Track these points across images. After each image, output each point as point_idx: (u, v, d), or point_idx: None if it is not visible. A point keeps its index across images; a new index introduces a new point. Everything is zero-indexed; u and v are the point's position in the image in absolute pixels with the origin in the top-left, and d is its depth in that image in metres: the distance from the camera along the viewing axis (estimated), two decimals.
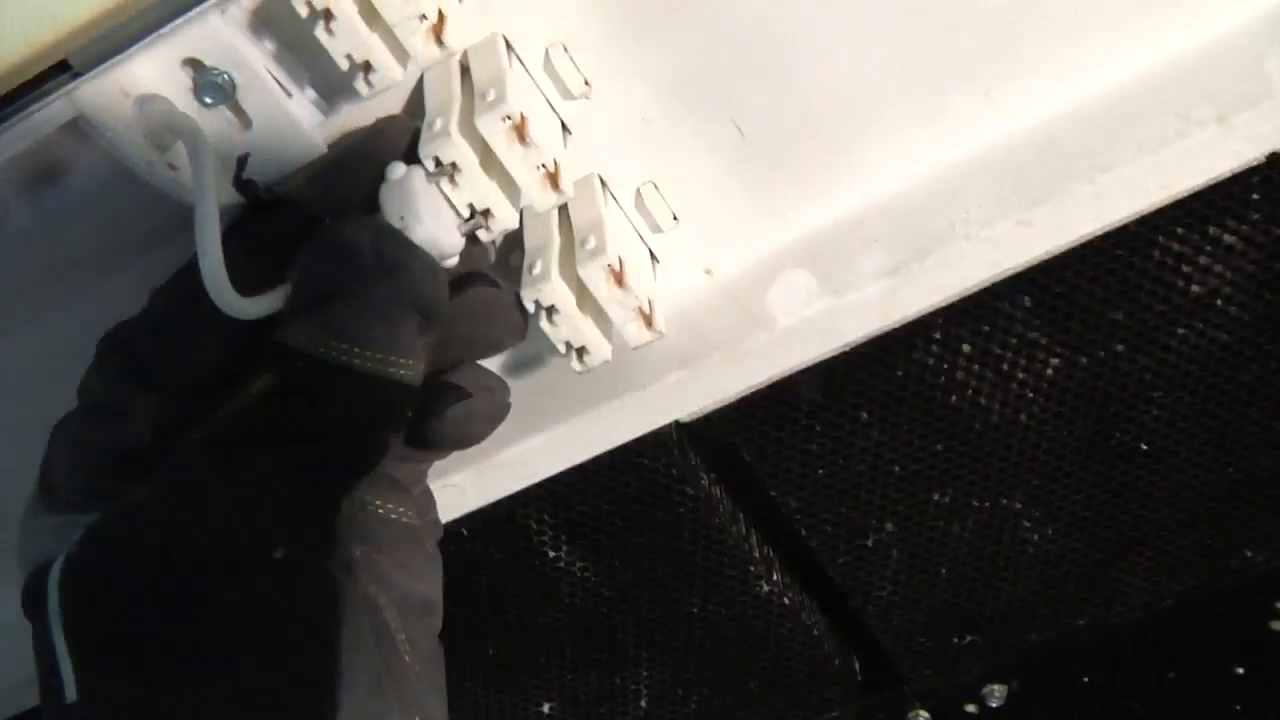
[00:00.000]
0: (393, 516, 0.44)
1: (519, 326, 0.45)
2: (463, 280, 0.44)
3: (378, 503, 0.43)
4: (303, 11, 0.39)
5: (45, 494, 0.43)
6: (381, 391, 0.40)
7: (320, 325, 0.40)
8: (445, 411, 0.44)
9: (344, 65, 0.40)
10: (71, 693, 0.39)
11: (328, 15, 0.39)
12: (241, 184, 0.43)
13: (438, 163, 0.42)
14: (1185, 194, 0.46)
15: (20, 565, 0.43)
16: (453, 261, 0.44)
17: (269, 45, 0.42)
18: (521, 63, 0.45)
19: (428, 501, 0.48)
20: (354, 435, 0.41)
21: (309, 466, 0.41)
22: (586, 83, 0.45)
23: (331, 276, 0.41)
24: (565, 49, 0.45)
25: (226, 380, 0.43)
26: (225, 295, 0.39)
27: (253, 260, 0.42)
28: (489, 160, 0.42)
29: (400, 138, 0.44)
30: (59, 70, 0.39)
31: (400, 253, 0.41)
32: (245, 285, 0.40)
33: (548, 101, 0.45)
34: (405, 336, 0.41)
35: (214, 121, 0.42)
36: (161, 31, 0.39)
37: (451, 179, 0.42)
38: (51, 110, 0.40)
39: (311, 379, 0.40)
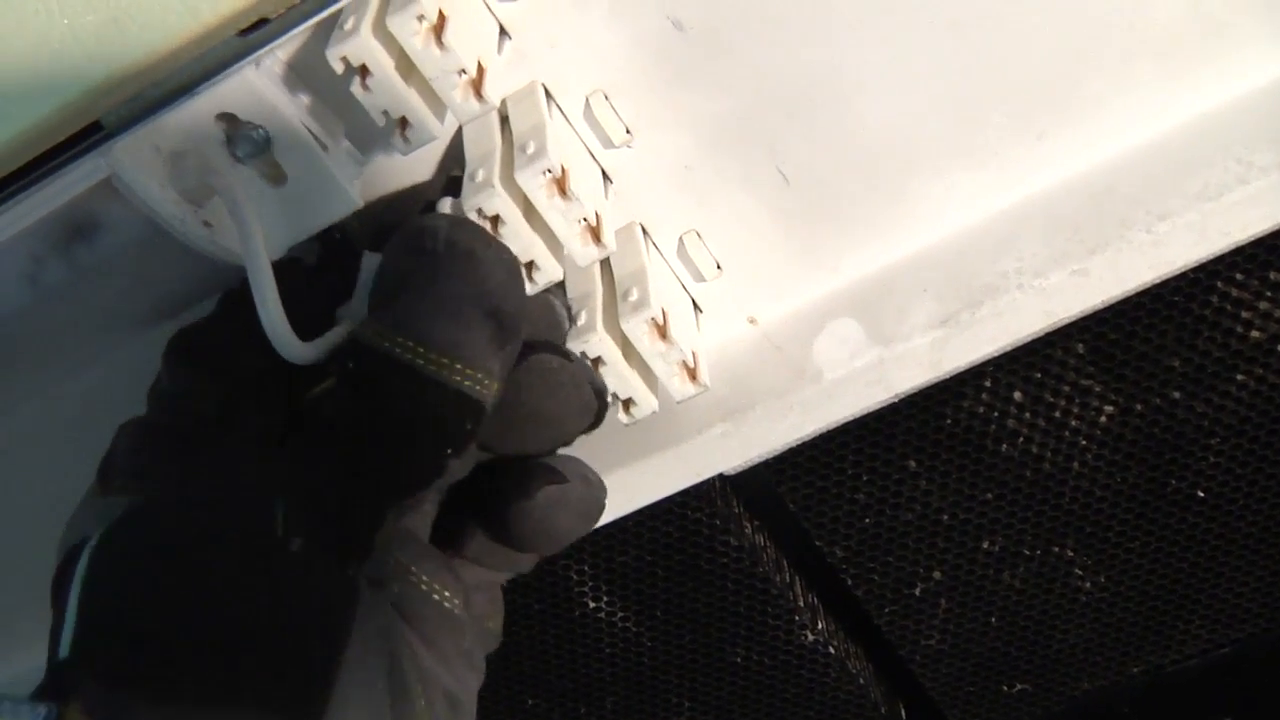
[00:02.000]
0: (434, 595, 0.39)
1: (589, 405, 0.42)
2: (528, 346, 0.41)
3: (413, 569, 0.39)
4: (338, 67, 0.38)
5: (100, 479, 0.41)
6: (442, 400, 0.36)
7: (389, 320, 0.37)
8: (536, 493, 0.40)
9: (380, 121, 0.39)
10: (65, 649, 0.36)
11: (364, 71, 0.38)
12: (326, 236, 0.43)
13: (481, 214, 0.41)
14: (1246, 241, 0.44)
15: (58, 551, 0.40)
16: None
17: (304, 98, 0.41)
18: (561, 111, 0.44)
19: (490, 606, 0.43)
20: (405, 442, 0.37)
21: (349, 462, 0.37)
22: (628, 131, 0.44)
23: (405, 263, 0.38)
24: (606, 96, 0.44)
25: (296, 374, 0.40)
26: (289, 345, 0.38)
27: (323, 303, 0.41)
28: (531, 211, 0.41)
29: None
30: (91, 131, 0.38)
31: (474, 241, 0.38)
32: (311, 331, 0.39)
33: (588, 151, 0.44)
34: (474, 343, 0.37)
35: (248, 176, 0.41)
36: (195, 91, 0.38)
37: (495, 230, 0.41)
38: (83, 169, 0.39)
39: (371, 376, 0.37)
